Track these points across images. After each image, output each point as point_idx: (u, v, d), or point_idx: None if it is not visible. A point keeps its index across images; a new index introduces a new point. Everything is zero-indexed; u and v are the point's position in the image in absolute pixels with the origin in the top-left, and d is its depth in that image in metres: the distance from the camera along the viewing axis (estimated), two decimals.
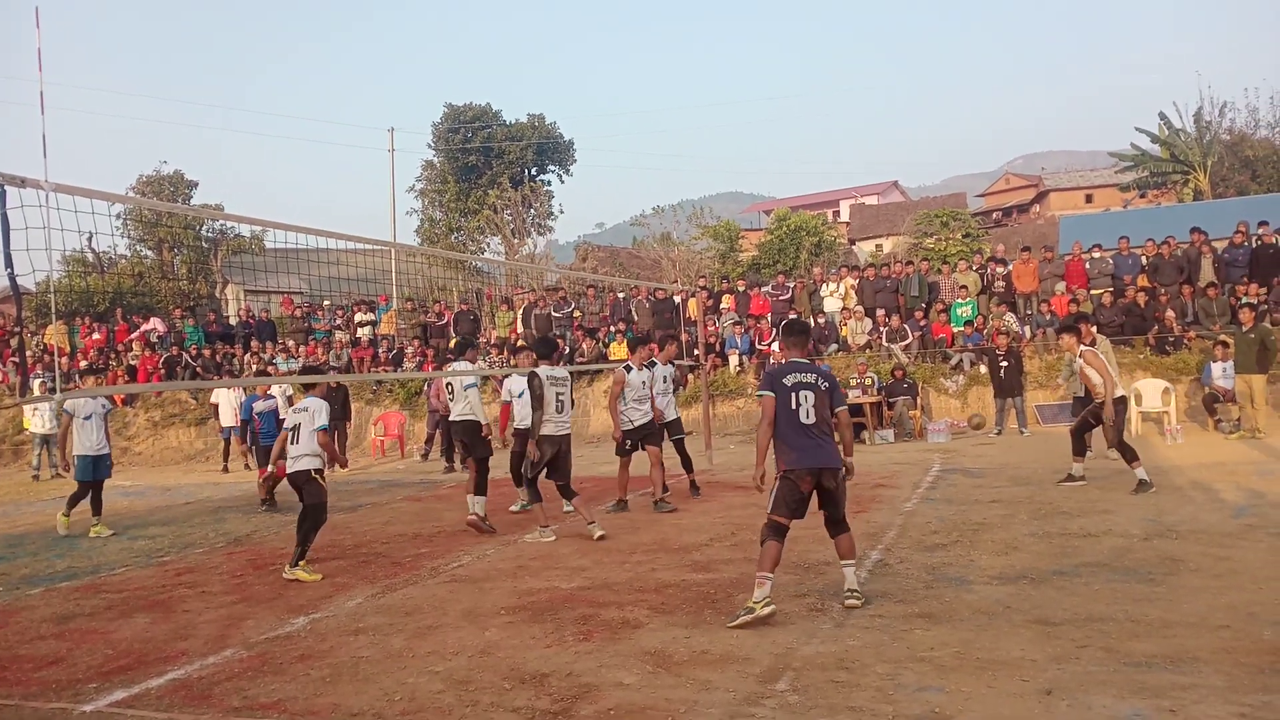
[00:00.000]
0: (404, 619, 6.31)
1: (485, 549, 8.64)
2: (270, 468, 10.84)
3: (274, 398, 12.91)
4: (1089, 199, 55.76)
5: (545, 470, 9.01)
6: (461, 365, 10.22)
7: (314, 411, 7.98)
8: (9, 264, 4.80)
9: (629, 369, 10.32)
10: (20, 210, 4.91)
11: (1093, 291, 18.23)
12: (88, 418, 10.87)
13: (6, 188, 4.65)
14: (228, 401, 16.92)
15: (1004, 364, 15.98)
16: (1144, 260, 18.56)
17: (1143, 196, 39.22)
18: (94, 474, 10.89)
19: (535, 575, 7.40)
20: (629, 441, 10.24)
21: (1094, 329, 10.67)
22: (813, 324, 19.46)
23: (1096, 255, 19.00)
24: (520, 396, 9.68)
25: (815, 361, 15.13)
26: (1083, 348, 10.10)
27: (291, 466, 8.08)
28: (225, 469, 17.41)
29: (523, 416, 9.63)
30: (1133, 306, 17.32)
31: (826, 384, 6.05)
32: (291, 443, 8.06)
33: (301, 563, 7.81)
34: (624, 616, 6.00)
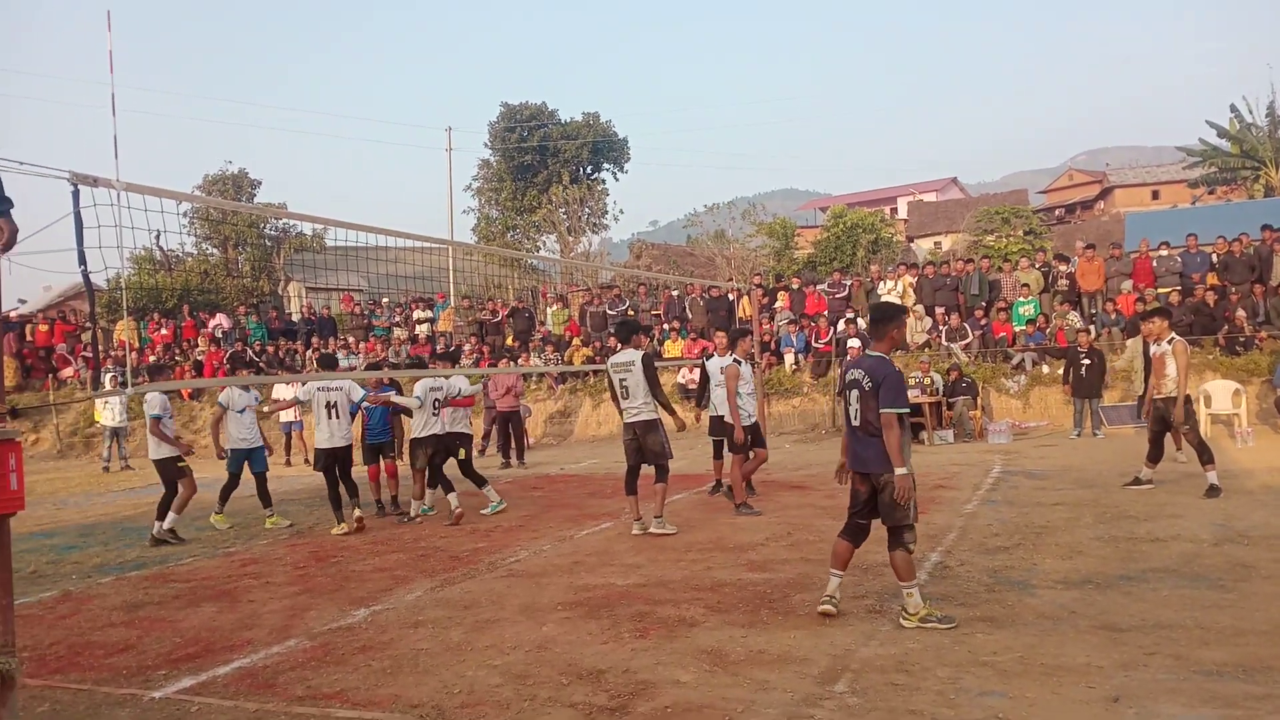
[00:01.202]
0: (462, 612, 6.37)
1: (542, 544, 8.69)
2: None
3: (388, 389, 11.69)
4: (1155, 195, 54.42)
5: (635, 458, 9.04)
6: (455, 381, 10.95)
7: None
8: (82, 261, 4.93)
9: (738, 362, 10.02)
10: (93, 209, 5.03)
11: (1160, 290, 17.79)
12: (241, 411, 10.67)
13: (80, 187, 4.78)
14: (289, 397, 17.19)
15: (1085, 363, 15.46)
16: (1214, 258, 18.07)
17: (1211, 193, 38.15)
18: (252, 467, 10.78)
19: (591, 571, 7.43)
20: (749, 438, 9.91)
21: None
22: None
23: (1164, 253, 18.55)
24: (420, 407, 10.38)
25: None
26: (1175, 336, 9.81)
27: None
28: (288, 462, 17.74)
29: (418, 425, 10.38)
30: (1201, 306, 16.86)
31: (871, 383, 5.65)
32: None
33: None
34: (680, 614, 6.00)
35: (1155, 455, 9.96)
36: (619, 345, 9.58)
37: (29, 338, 25.25)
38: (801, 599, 6.20)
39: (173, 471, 10.08)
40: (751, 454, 10.00)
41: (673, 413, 9.24)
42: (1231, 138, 34.36)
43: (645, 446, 8.89)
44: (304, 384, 11.14)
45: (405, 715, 4.50)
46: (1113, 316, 17.55)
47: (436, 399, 10.43)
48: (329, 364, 18.84)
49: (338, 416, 10.04)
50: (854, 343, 15.10)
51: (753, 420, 10.04)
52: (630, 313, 21.74)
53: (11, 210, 4.11)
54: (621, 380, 8.95)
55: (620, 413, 9.14)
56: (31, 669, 5.44)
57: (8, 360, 23.34)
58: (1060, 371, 16.35)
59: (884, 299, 20.08)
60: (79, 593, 7.73)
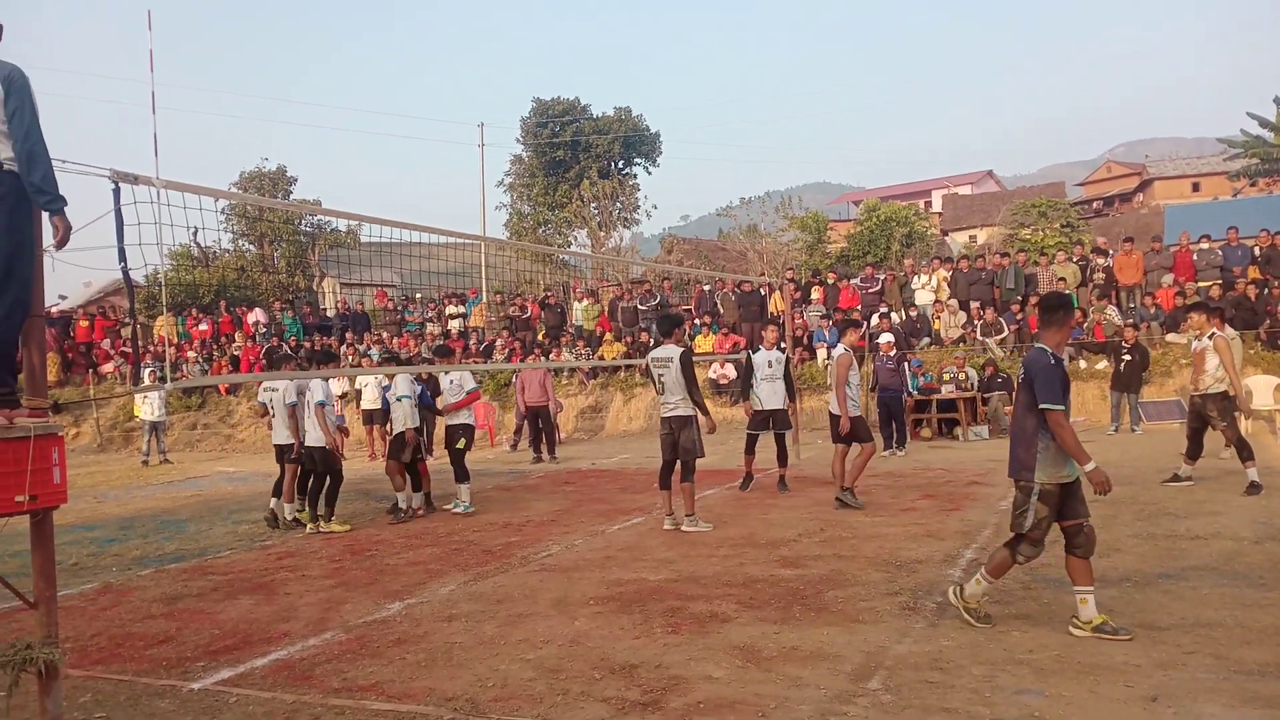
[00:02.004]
0: (495, 606, 6.41)
1: (574, 539, 8.71)
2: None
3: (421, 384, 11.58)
4: (1196, 188, 53.56)
5: (670, 453, 9.05)
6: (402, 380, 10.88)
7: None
8: (122, 258, 4.99)
9: (849, 351, 10.05)
10: (133, 206, 5.10)
11: (1200, 284, 17.50)
12: (323, 403, 10.06)
13: (120, 184, 4.84)
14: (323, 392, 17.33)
15: (1127, 358, 15.28)
16: (1255, 251, 17.74)
17: (1253, 185, 37.48)
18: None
19: (623, 567, 7.44)
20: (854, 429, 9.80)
21: (1225, 324, 10.20)
22: (902, 315, 19.09)
23: (1205, 246, 18.22)
24: (400, 401, 10.60)
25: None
26: (1216, 331, 9.65)
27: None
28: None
29: (398, 419, 10.59)
30: (1243, 300, 16.56)
31: (1023, 375, 5.44)
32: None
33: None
34: (712, 610, 5.99)
35: (1194, 452, 9.80)
36: (659, 339, 9.60)
37: (71, 334, 25.68)
38: (834, 595, 6.18)
39: (331, 460, 9.90)
40: (858, 447, 9.83)
41: (705, 412, 9.19)
42: (1274, 128, 33.71)
43: (679, 441, 8.89)
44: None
45: (440, 708, 4.53)
46: (1152, 311, 17.28)
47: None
48: (275, 362, 19.04)
49: (274, 414, 10.55)
50: (886, 337, 14.97)
51: (859, 412, 9.89)
52: (661, 307, 21.74)
53: (65, 208, 4.20)
54: (660, 375, 8.98)
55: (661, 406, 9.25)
56: (74, 660, 5.53)
57: (49, 356, 23.77)
58: (1100, 365, 16.15)
59: (917, 292, 19.95)
60: (119, 585, 7.87)
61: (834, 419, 9.85)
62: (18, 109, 4.10)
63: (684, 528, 8.77)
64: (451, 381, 10.69)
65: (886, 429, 14.44)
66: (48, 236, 4.28)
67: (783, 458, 11.00)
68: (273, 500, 10.56)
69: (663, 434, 9.06)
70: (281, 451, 10.39)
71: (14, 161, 4.13)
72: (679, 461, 8.95)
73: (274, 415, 10.46)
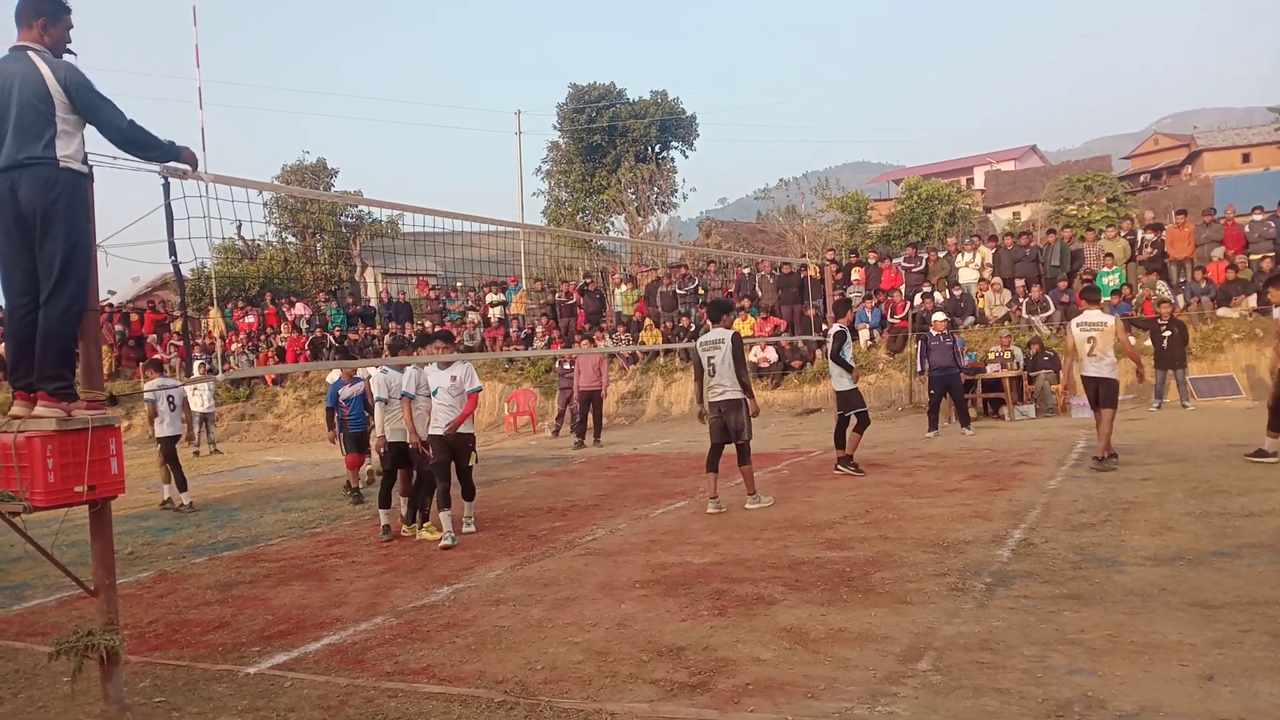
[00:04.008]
0: (542, 590, 6.46)
1: (618, 523, 8.75)
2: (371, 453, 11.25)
3: (360, 381, 11.55)
4: (1246, 159, 52.28)
5: (719, 435, 9.14)
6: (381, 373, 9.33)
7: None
8: (173, 252, 5.07)
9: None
10: (182, 201, 5.18)
11: (1252, 257, 17.10)
12: (430, 393, 8.90)
13: (170, 180, 4.92)
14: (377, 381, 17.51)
15: (1167, 334, 15.04)
16: None
17: None
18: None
19: (667, 550, 7.46)
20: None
21: None
22: (946, 295, 18.88)
23: (1258, 218, 17.78)
24: (386, 401, 9.07)
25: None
26: None
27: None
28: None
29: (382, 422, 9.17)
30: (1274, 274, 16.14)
31: None
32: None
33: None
34: (758, 593, 5.99)
35: (1277, 424, 9.48)
36: (700, 325, 9.59)
37: (120, 327, 26.10)
38: (881, 577, 6.15)
39: (417, 458, 8.94)
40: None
41: (751, 395, 9.21)
42: None
43: (729, 425, 8.99)
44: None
45: (490, 690, 4.58)
46: (1203, 285, 16.92)
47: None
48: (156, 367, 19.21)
49: (172, 409, 11.88)
50: (939, 316, 14.82)
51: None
52: (701, 291, 21.70)
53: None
54: (710, 358, 9.09)
55: (705, 391, 9.29)
56: (133, 646, 5.68)
57: (104, 349, 24.24)
58: (1148, 342, 15.84)
59: (960, 271, 19.69)
60: (174, 573, 8.04)
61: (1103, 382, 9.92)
62: (93, 107, 4.24)
63: (747, 506, 8.93)
64: (454, 378, 8.61)
65: (936, 410, 14.26)
66: (101, 232, 4.38)
67: (841, 440, 10.96)
68: (382, 513, 9.14)
69: (711, 418, 9.17)
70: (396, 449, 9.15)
71: (72, 159, 4.22)
72: (735, 446, 9.07)
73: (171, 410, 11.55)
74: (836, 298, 13.47)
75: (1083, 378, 10.12)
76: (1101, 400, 9.89)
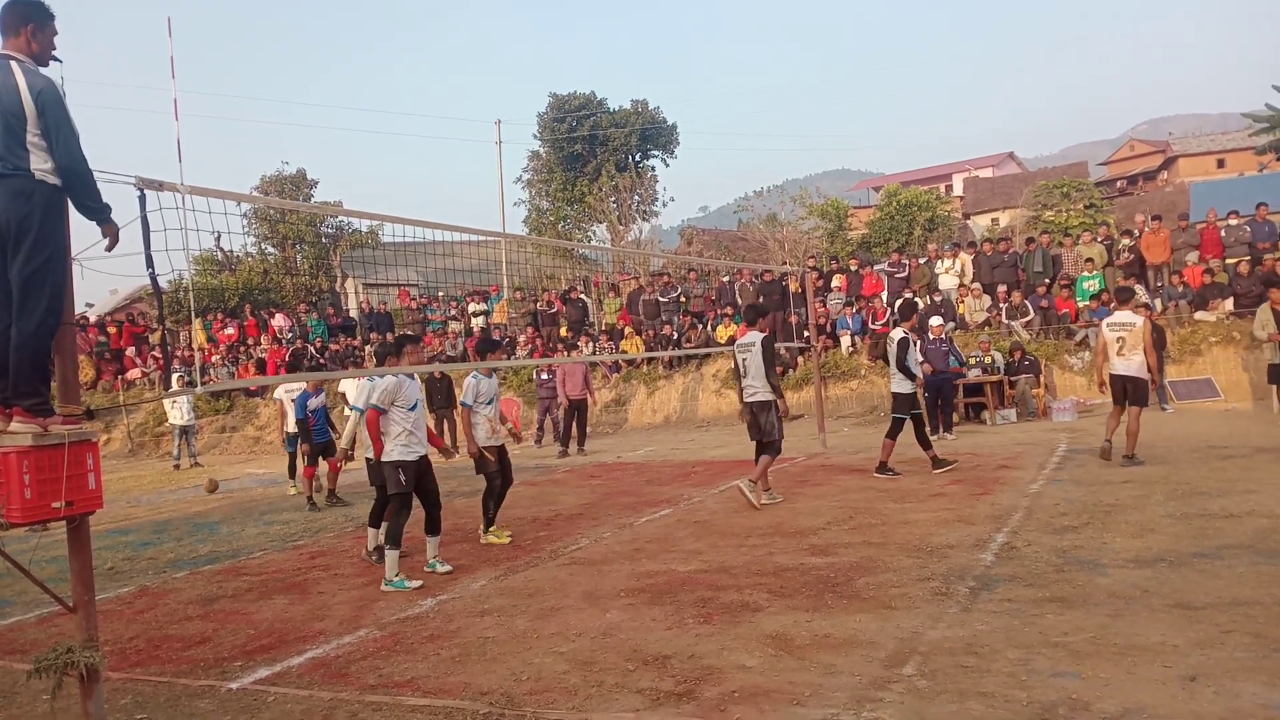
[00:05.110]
0: (527, 600, 6.44)
1: (602, 532, 8.73)
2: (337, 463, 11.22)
3: (323, 392, 11.87)
4: (1221, 164, 52.83)
5: (755, 433, 9.50)
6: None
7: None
8: (150, 264, 5.03)
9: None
10: (159, 213, 5.13)
11: (1228, 261, 17.27)
12: (489, 402, 8.79)
13: (146, 191, 4.88)
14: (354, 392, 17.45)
15: None
16: None
17: None
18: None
19: (652, 558, 7.45)
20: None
21: None
22: (926, 301, 18.98)
23: (1232, 223, 17.97)
24: (361, 413, 8.33)
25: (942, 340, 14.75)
26: None
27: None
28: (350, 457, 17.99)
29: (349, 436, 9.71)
30: (1271, 276, 16.28)
31: None
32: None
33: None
34: (743, 600, 5.99)
35: None
36: (745, 327, 9.98)
37: (102, 338, 25.86)
38: (865, 583, 6.16)
39: (482, 464, 8.69)
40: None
41: (780, 396, 9.59)
42: None
43: (760, 424, 9.38)
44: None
45: (475, 702, 4.55)
46: (1179, 289, 17.07)
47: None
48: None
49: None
50: (936, 320, 14.85)
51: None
52: (683, 299, 21.73)
53: (111, 214, 4.35)
54: (744, 360, 9.51)
55: (741, 391, 9.70)
56: (114, 662, 5.61)
57: (82, 359, 24.04)
58: None
59: (940, 277, 19.80)
60: (155, 588, 7.96)
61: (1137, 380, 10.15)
62: (55, 126, 4.13)
63: (742, 486, 9.32)
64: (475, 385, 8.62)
65: (933, 413, 14.30)
66: (77, 244, 4.33)
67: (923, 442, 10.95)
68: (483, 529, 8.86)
69: (747, 420, 9.58)
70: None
71: (47, 173, 4.17)
72: (764, 443, 9.46)
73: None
74: (901, 300, 13.41)
75: (1112, 376, 10.33)
76: (1131, 398, 10.15)
